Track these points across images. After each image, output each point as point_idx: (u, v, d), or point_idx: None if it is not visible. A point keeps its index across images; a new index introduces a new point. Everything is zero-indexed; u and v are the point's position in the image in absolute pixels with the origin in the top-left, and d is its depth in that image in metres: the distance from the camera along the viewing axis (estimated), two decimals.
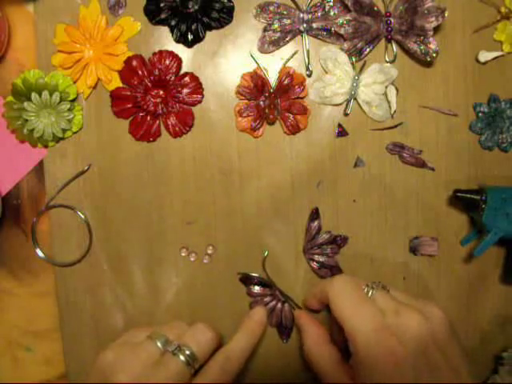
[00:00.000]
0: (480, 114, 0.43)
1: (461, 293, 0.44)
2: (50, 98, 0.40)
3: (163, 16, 0.41)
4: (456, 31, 0.43)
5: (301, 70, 0.42)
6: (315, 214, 0.43)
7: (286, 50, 0.42)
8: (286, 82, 0.42)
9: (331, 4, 0.42)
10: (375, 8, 0.41)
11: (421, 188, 0.44)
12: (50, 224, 0.43)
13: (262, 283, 0.43)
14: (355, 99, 0.42)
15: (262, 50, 0.42)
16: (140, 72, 0.41)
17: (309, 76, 0.42)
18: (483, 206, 0.41)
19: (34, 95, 0.40)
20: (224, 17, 0.41)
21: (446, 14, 0.40)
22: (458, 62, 0.43)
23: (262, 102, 0.42)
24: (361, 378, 0.33)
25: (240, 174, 0.43)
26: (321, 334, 0.40)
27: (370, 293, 0.36)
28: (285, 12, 0.42)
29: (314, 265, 0.43)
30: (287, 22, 0.42)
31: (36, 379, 0.45)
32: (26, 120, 0.41)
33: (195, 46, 0.42)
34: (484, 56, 0.42)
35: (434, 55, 0.41)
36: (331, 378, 0.37)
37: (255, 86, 0.42)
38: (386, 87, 0.42)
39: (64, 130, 0.41)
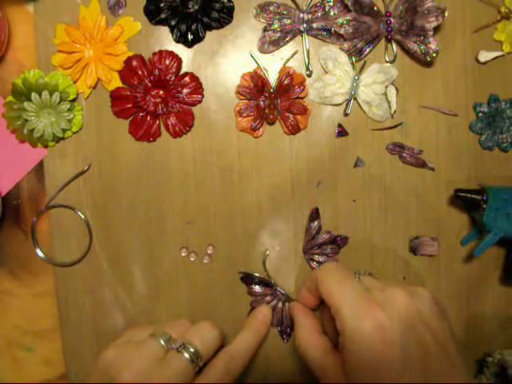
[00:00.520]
0: (480, 114, 0.43)
1: (461, 293, 0.44)
2: (49, 98, 0.40)
3: (163, 16, 0.41)
4: (456, 31, 0.43)
5: (301, 70, 0.42)
6: (315, 214, 0.43)
7: (286, 49, 0.42)
8: (285, 81, 0.42)
9: (331, 4, 0.42)
10: (375, 8, 0.41)
11: (421, 188, 0.44)
12: (50, 224, 0.43)
13: (263, 282, 0.43)
14: (355, 99, 0.42)
15: (261, 50, 0.42)
16: (140, 72, 0.41)
17: (309, 76, 0.42)
18: (484, 205, 0.41)
19: (33, 95, 0.40)
20: (224, 17, 0.41)
21: (446, 14, 0.40)
22: (458, 61, 0.43)
23: (261, 102, 0.42)
24: (348, 358, 0.32)
25: (240, 174, 0.43)
26: (313, 324, 0.39)
27: (358, 277, 0.36)
28: (285, 12, 0.42)
29: (314, 265, 0.43)
30: (287, 21, 0.42)
31: (36, 379, 0.45)
32: (26, 120, 0.41)
33: (195, 46, 0.42)
34: (484, 56, 0.42)
35: (434, 55, 0.41)
36: (319, 366, 0.36)
37: (255, 86, 0.42)
38: (386, 87, 0.42)
39: (64, 130, 0.41)
